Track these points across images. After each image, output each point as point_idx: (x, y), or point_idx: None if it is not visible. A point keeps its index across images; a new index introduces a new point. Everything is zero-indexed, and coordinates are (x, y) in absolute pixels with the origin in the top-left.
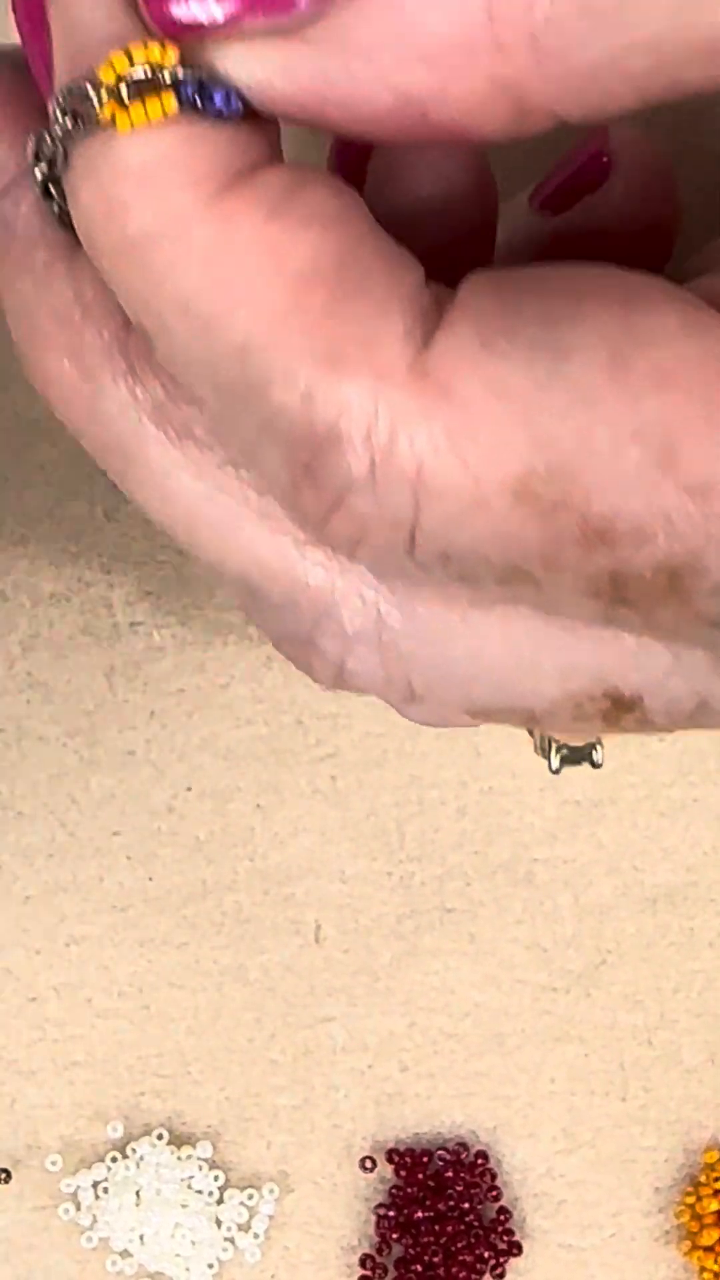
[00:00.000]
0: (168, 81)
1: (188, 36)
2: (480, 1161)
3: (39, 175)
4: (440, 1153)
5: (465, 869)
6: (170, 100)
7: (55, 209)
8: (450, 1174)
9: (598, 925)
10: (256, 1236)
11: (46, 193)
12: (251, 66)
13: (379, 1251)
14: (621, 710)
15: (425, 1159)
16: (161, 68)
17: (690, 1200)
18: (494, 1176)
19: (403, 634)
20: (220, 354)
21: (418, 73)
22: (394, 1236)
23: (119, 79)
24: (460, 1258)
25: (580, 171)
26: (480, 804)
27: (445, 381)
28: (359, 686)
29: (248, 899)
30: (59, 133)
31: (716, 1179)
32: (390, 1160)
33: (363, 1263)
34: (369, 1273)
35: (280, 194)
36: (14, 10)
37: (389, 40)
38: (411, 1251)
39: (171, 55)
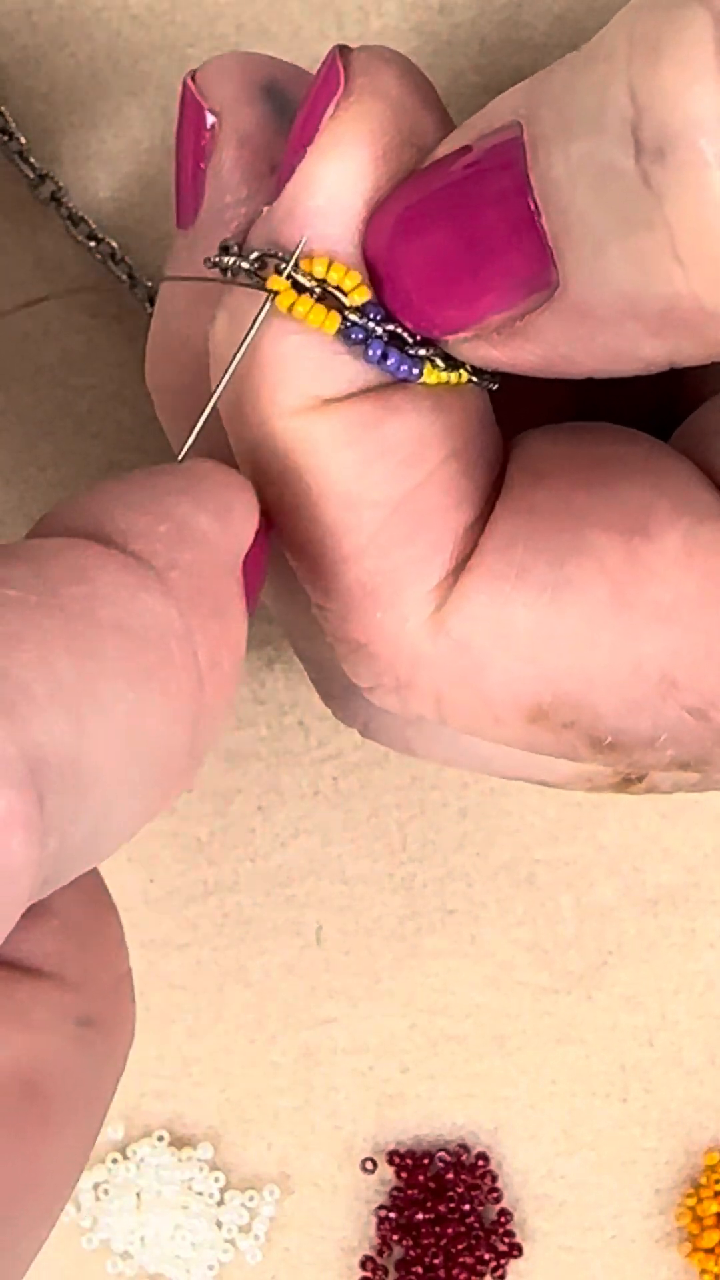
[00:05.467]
0: (347, 312)
1: (439, 334)
2: (481, 1163)
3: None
4: (441, 1154)
5: (467, 870)
6: (334, 322)
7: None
8: (451, 1175)
9: (599, 926)
10: (257, 1238)
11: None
12: (484, 353)
13: (380, 1253)
14: (631, 782)
15: (426, 1161)
16: (346, 296)
17: (691, 1202)
18: (495, 1178)
19: (429, 729)
20: (290, 513)
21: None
22: (395, 1238)
23: (312, 277)
24: (461, 1259)
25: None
26: (482, 805)
27: (458, 636)
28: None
29: (249, 900)
30: (244, 262)
31: (717, 1181)
32: (391, 1162)
33: (363, 1264)
34: (370, 1274)
35: (360, 426)
36: (179, 146)
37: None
38: (412, 1253)
39: (363, 295)
